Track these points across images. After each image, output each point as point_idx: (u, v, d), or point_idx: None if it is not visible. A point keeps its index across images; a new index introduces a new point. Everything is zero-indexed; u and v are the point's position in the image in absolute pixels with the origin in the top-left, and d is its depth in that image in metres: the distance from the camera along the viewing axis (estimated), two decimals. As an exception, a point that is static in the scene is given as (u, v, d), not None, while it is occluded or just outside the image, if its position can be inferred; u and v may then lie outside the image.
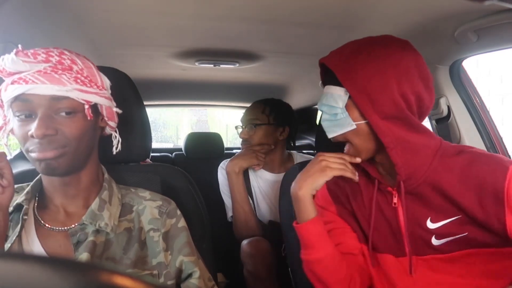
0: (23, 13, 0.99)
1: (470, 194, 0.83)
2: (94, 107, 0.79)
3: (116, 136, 0.87)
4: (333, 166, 0.91)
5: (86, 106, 0.75)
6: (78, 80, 0.74)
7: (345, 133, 0.89)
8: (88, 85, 0.75)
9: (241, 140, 1.79)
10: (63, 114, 0.73)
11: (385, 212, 0.94)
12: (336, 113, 0.88)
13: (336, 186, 1.05)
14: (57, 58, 0.73)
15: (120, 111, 0.85)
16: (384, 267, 0.96)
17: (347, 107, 0.87)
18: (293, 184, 0.96)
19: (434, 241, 0.89)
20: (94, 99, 0.76)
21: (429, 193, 0.88)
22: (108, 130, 0.86)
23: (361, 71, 0.84)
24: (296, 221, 0.97)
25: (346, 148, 0.93)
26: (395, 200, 0.92)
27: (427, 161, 0.87)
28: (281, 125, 1.71)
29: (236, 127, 1.78)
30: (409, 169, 0.86)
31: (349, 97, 0.86)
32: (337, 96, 0.88)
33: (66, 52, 0.75)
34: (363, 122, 0.86)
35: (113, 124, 0.84)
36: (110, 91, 0.83)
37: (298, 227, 0.96)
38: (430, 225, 0.88)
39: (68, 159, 0.74)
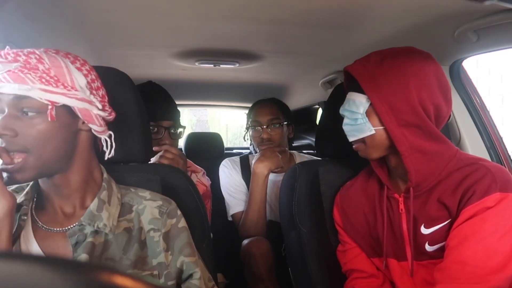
0: (22, 13, 0.99)
1: (456, 198, 0.86)
2: (67, 109, 0.75)
3: (106, 140, 0.83)
4: None
5: (50, 107, 0.72)
6: (43, 80, 0.71)
7: (364, 137, 0.93)
8: (54, 85, 0.72)
9: (248, 140, 1.79)
10: (27, 114, 0.72)
11: (391, 218, 0.98)
12: (356, 118, 0.92)
13: (348, 198, 1.09)
14: (24, 58, 0.71)
15: (103, 115, 0.80)
16: (389, 271, 1.00)
17: (367, 113, 0.91)
18: None
19: (428, 247, 0.91)
20: (60, 99, 0.73)
21: (428, 199, 0.91)
22: (97, 135, 0.82)
23: (383, 80, 0.87)
24: None
25: (356, 146, 0.96)
26: (401, 206, 0.95)
27: (438, 169, 0.90)
28: (290, 124, 1.76)
29: (250, 127, 1.74)
30: (420, 176, 0.89)
31: (370, 104, 0.90)
32: (359, 102, 0.91)
33: (36, 52, 0.73)
34: (381, 128, 0.90)
35: (96, 127, 0.79)
36: (88, 92, 0.77)
37: None
38: (424, 230, 0.91)
39: (31, 169, 0.72)
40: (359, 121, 0.92)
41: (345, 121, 0.95)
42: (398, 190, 0.98)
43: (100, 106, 0.79)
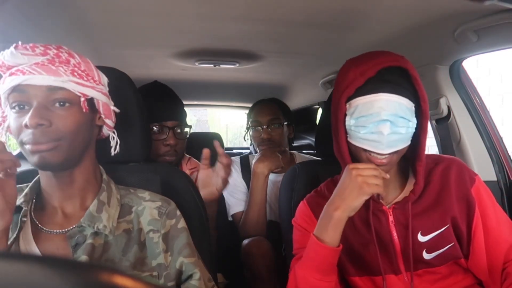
0: (23, 13, 0.99)
1: (452, 197, 0.88)
2: (91, 103, 0.79)
3: (114, 137, 0.87)
4: (370, 182, 0.80)
5: (82, 99, 0.75)
6: (75, 73, 0.74)
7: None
8: (85, 78, 0.76)
9: (248, 140, 1.80)
10: (58, 105, 0.73)
11: (378, 232, 0.93)
12: (408, 127, 0.81)
13: (319, 204, 0.95)
14: (55, 51, 0.74)
15: (117, 110, 0.85)
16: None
17: None
18: (328, 202, 0.86)
19: (426, 255, 0.90)
20: (90, 93, 0.76)
21: (421, 204, 0.90)
22: (105, 131, 0.85)
23: (419, 80, 0.83)
24: (318, 239, 0.85)
25: (388, 159, 0.83)
26: (391, 218, 0.92)
27: (425, 172, 0.91)
28: (291, 124, 1.77)
29: (250, 127, 1.75)
30: (422, 178, 0.89)
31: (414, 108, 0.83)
32: (406, 108, 0.80)
33: (64, 47, 0.76)
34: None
35: (110, 123, 0.84)
36: (107, 88, 0.83)
37: (326, 249, 0.83)
38: (421, 238, 0.89)
39: (62, 152, 0.73)
40: (410, 129, 0.81)
41: (391, 129, 0.78)
42: (383, 204, 0.93)
43: (112, 103, 0.83)
